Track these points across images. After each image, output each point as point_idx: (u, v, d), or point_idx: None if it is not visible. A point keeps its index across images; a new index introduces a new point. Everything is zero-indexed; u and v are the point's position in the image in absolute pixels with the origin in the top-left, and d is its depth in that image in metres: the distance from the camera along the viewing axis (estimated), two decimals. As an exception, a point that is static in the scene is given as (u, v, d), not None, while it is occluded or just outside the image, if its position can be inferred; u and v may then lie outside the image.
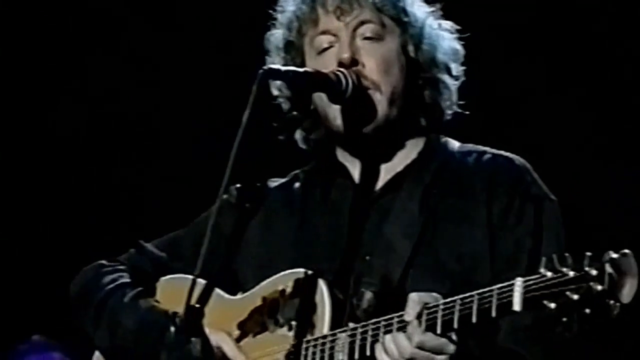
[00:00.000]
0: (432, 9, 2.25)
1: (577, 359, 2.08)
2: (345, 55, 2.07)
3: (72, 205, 5.55)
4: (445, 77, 2.21)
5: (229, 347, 2.08)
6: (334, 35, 2.13)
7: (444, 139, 2.25)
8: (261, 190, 2.12)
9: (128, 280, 2.28)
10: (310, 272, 2.06)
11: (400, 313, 1.88)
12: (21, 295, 5.39)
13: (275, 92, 2.16)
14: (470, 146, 2.25)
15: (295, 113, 2.03)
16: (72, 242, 5.36)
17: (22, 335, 4.72)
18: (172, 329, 1.90)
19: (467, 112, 2.29)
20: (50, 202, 5.53)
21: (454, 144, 2.25)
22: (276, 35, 2.20)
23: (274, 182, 2.29)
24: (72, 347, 4.31)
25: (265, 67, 1.99)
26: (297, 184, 2.27)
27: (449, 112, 2.24)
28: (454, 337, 1.88)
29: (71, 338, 4.32)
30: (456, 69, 2.23)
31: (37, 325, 4.98)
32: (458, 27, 2.30)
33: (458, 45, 2.24)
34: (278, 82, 2.12)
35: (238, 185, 2.04)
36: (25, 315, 5.28)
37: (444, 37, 2.21)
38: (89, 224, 5.31)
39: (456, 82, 2.25)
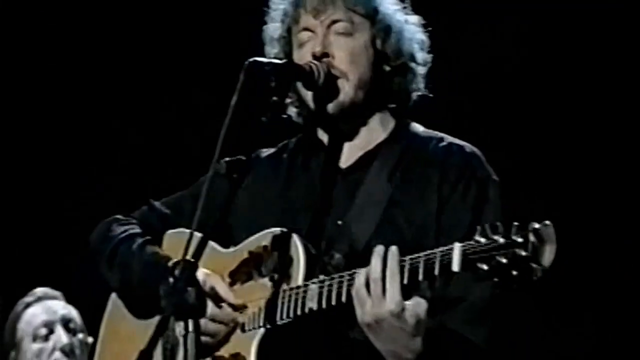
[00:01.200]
0: (401, 5, 2.49)
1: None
2: (318, 49, 2.39)
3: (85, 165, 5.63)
4: (412, 65, 2.49)
5: (221, 288, 2.39)
6: (312, 31, 2.43)
7: (411, 123, 2.55)
8: (249, 161, 2.43)
9: (138, 231, 2.62)
10: (289, 231, 2.36)
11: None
12: (26, 249, 5.56)
13: (259, 80, 2.42)
14: (431, 132, 2.56)
15: (275, 98, 2.32)
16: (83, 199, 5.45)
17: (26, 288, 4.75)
18: (171, 279, 2.25)
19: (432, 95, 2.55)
20: (64, 157, 5.62)
21: (419, 128, 2.55)
22: (271, 29, 2.51)
23: (265, 152, 2.60)
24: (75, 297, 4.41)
25: (250, 59, 2.30)
26: (284, 154, 2.58)
27: (415, 95, 2.52)
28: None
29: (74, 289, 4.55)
30: (422, 57, 2.50)
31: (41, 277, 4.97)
32: (424, 21, 2.53)
33: (423, 36, 2.51)
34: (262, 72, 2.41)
35: (227, 159, 2.39)
36: (30, 268, 5.39)
37: (409, 30, 2.49)
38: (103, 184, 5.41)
39: (422, 69, 2.51)
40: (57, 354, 3.99)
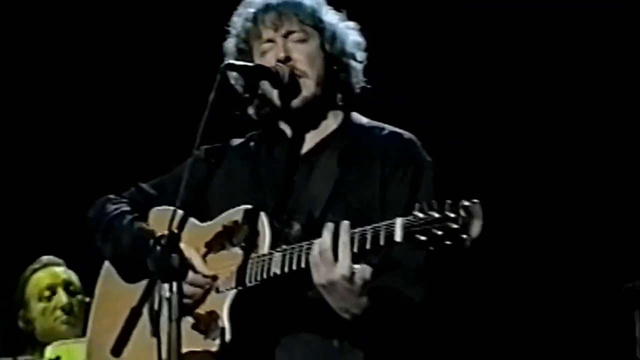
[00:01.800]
0: (341, 15, 2.92)
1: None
2: (281, 55, 2.77)
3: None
4: (354, 63, 2.90)
5: (196, 260, 2.74)
6: (272, 41, 2.82)
7: (357, 115, 2.94)
8: (224, 148, 2.79)
9: (128, 209, 2.97)
10: (256, 207, 2.71)
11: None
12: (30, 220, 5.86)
13: (232, 81, 2.84)
14: (373, 122, 2.94)
15: (247, 95, 2.71)
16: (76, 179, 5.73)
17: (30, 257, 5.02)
18: (158, 247, 2.57)
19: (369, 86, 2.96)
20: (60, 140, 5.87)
21: (363, 120, 2.94)
22: (233, 42, 2.90)
23: (236, 142, 2.96)
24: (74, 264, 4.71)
25: (226, 62, 2.70)
26: (251, 143, 2.96)
27: (358, 88, 2.92)
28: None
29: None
30: (360, 56, 2.91)
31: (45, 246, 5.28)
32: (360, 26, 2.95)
33: (361, 39, 2.93)
34: (234, 74, 2.81)
35: (206, 147, 2.74)
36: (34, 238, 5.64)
37: (350, 35, 2.90)
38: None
39: (361, 66, 2.92)
40: (58, 312, 4.41)
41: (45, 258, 4.56)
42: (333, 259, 2.52)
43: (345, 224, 2.53)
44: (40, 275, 4.55)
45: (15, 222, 5.71)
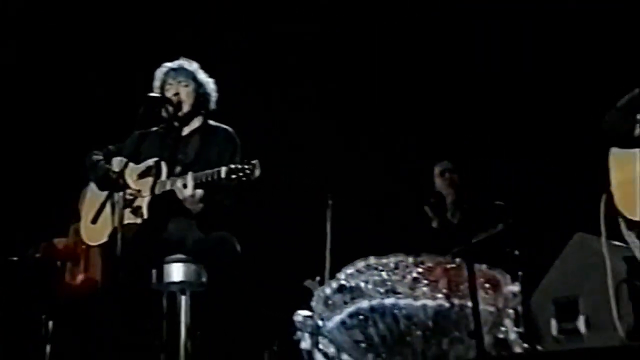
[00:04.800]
0: (205, 72, 5.42)
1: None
2: (172, 95, 5.38)
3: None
4: (209, 96, 5.44)
5: (130, 178, 5.19)
6: (171, 85, 5.39)
7: (209, 120, 5.44)
8: (148, 132, 5.59)
9: (101, 157, 5.40)
10: (160, 160, 5.21)
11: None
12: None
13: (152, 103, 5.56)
14: (215, 123, 5.40)
15: (158, 110, 5.51)
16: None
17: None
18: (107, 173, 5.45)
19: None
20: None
21: (212, 122, 5.42)
22: (155, 85, 5.42)
23: (154, 129, 5.44)
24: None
25: (149, 95, 5.32)
26: (161, 130, 5.48)
27: (211, 107, 5.45)
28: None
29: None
30: (214, 91, 5.44)
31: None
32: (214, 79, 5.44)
33: (213, 83, 5.42)
34: (158, 98, 5.50)
35: (140, 131, 5.55)
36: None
37: (209, 82, 5.41)
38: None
39: (215, 97, 5.47)
40: None
41: None
42: (182, 187, 5.02)
43: (190, 174, 4.93)
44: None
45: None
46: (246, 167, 4.84)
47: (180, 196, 5.00)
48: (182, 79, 5.43)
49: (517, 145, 6.77)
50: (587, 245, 5.87)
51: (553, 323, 5.99)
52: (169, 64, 5.44)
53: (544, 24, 6.36)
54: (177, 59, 5.39)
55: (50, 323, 6.13)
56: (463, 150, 6.70)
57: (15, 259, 6.32)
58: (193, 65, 5.46)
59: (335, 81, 7.15)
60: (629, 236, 4.75)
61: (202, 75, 5.48)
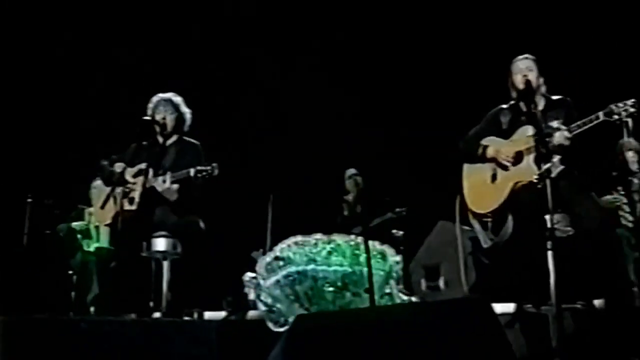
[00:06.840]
0: (184, 103, 7.52)
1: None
2: (160, 118, 7.31)
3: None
4: (188, 119, 7.36)
5: (128, 174, 7.47)
6: (159, 113, 7.33)
7: (184, 136, 7.28)
8: (140, 144, 7.59)
9: (106, 163, 7.29)
10: (149, 166, 7.03)
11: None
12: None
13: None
14: (188, 138, 7.26)
15: (151, 128, 7.61)
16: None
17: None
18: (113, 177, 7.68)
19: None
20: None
21: (186, 138, 7.26)
22: (148, 111, 7.28)
23: (145, 143, 7.19)
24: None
25: (144, 118, 7.48)
26: (148, 143, 7.35)
27: (185, 128, 7.32)
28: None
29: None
30: (189, 119, 7.33)
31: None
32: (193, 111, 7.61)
33: (189, 114, 7.27)
34: (149, 120, 7.59)
35: (135, 144, 7.60)
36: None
37: (187, 112, 7.27)
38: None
39: (190, 119, 7.39)
40: None
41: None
42: (163, 183, 7.22)
43: (169, 173, 7.00)
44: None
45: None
46: (209, 168, 6.58)
47: (160, 189, 6.77)
48: (169, 108, 7.22)
49: (403, 159, 9.07)
50: (446, 229, 7.57)
51: (422, 282, 8.03)
52: (161, 95, 7.18)
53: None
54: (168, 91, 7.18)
55: (74, 277, 8.29)
56: (365, 161, 9.07)
57: (48, 232, 8.45)
58: (178, 99, 7.23)
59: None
60: (474, 223, 6.31)
61: (183, 107, 7.32)
